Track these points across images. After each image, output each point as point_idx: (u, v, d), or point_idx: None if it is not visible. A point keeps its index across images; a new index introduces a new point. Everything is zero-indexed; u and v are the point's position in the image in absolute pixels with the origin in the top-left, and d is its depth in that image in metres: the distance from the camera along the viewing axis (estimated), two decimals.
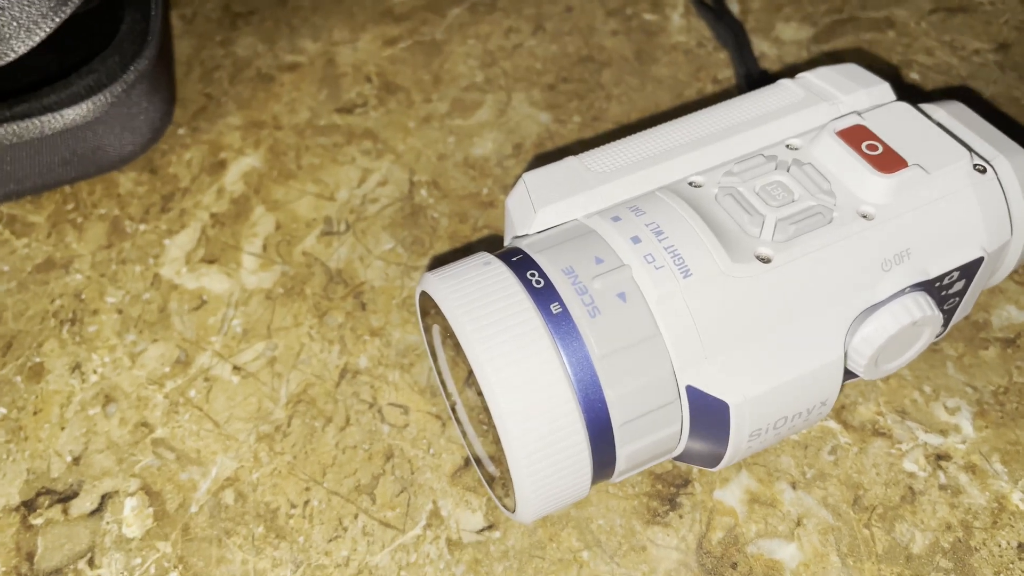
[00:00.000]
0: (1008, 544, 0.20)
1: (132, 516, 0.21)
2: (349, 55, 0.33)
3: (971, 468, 0.21)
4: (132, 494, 0.22)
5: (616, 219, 0.18)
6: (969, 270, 0.19)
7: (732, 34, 0.31)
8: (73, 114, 0.26)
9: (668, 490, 0.21)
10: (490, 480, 0.20)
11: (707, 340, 0.17)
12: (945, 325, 0.21)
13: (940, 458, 0.21)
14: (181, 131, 0.31)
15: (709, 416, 0.18)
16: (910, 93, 0.30)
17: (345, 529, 0.21)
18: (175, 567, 0.20)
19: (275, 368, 0.24)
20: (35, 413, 0.23)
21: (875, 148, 0.19)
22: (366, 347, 0.24)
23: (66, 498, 0.22)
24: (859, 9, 0.33)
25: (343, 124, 0.30)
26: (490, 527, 0.21)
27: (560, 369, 0.17)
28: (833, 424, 0.22)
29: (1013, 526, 0.20)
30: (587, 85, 0.31)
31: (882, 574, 0.19)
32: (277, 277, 0.26)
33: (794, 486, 0.21)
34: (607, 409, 0.17)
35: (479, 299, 0.17)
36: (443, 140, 0.30)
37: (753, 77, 0.29)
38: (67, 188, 0.29)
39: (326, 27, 0.34)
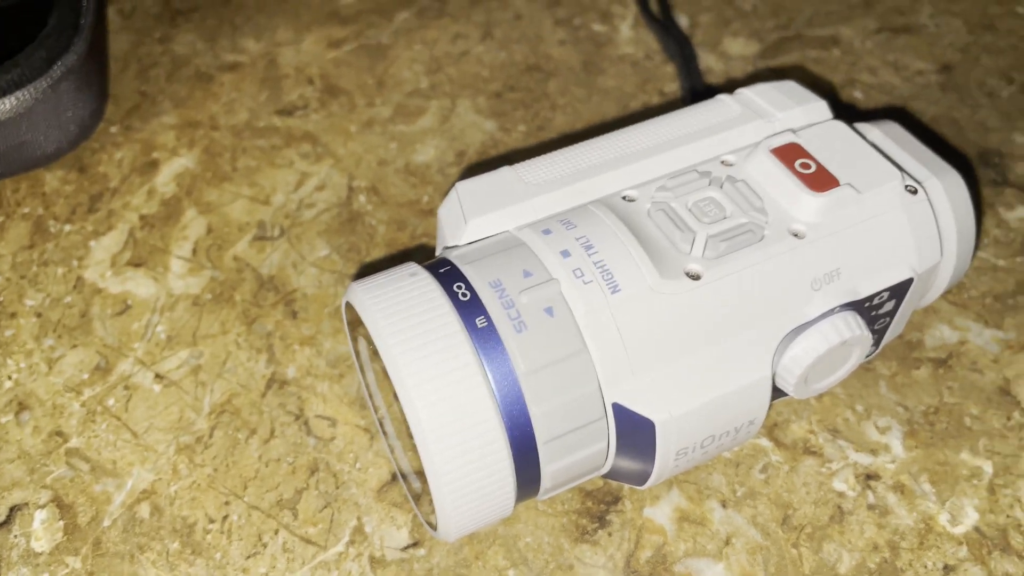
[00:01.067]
0: (934, 565, 0.20)
1: (41, 530, 0.20)
2: (292, 56, 0.32)
3: (900, 488, 0.21)
4: (42, 506, 0.21)
5: (547, 232, 0.18)
6: (899, 290, 0.19)
7: (679, 48, 0.31)
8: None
9: (598, 507, 0.21)
10: (416, 496, 0.20)
11: (634, 357, 0.17)
12: (876, 345, 0.21)
13: (869, 478, 0.21)
14: (113, 129, 0.30)
15: (636, 434, 0.17)
16: (847, 112, 0.30)
17: (265, 545, 0.20)
18: None
19: (199, 377, 0.23)
20: None
21: (808, 167, 0.19)
22: (295, 357, 0.24)
23: None
24: (805, 27, 0.33)
25: (282, 126, 0.30)
26: (415, 544, 0.20)
27: (483, 385, 0.16)
28: (765, 442, 0.22)
29: (939, 547, 0.20)
30: (533, 94, 0.31)
31: None
32: (206, 282, 0.25)
33: (724, 504, 0.21)
34: (531, 426, 0.17)
35: (403, 311, 0.17)
36: (385, 146, 0.29)
37: (698, 91, 0.29)
38: None
39: (270, 27, 0.34)
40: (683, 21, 0.33)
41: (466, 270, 0.18)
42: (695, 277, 0.18)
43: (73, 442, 0.22)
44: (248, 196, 0.28)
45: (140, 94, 0.31)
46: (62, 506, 0.21)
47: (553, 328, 0.17)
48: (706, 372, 0.17)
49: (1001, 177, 0.28)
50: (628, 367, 0.17)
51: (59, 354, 0.24)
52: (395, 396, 0.19)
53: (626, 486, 0.21)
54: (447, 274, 0.18)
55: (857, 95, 0.30)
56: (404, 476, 0.20)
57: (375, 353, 0.19)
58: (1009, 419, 0.22)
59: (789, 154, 0.19)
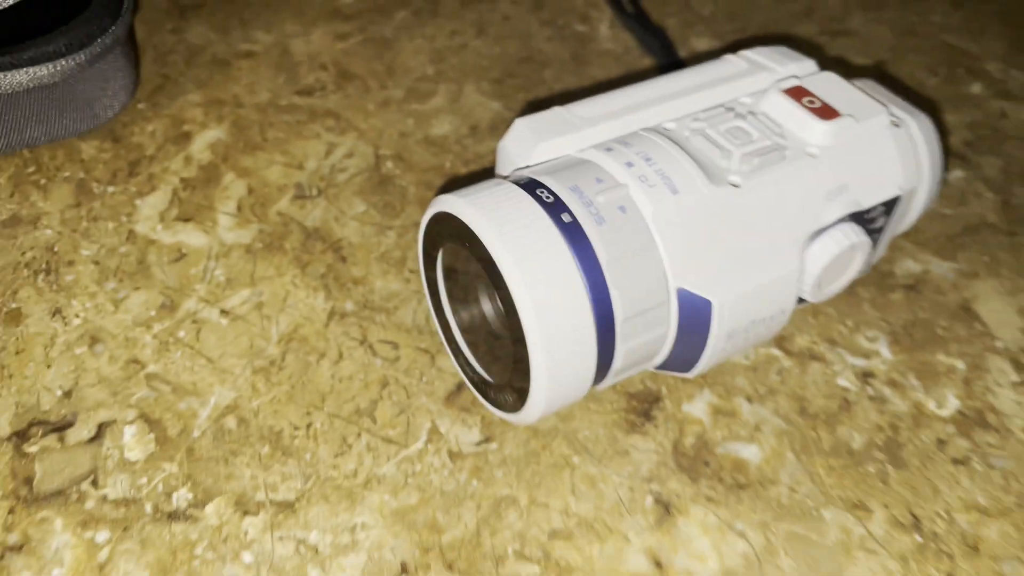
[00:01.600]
0: (928, 440, 0.23)
1: (133, 442, 0.22)
2: (303, 46, 0.35)
3: (893, 383, 0.25)
4: (131, 423, 0.22)
5: (609, 150, 0.21)
6: (890, 207, 0.23)
7: (657, 40, 0.35)
8: (49, 71, 0.26)
9: (642, 406, 0.23)
10: (487, 392, 0.22)
11: (693, 249, 0.20)
12: (868, 261, 0.25)
13: (867, 376, 0.25)
14: (141, 106, 0.31)
15: (694, 315, 0.20)
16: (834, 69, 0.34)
17: (350, 446, 0.22)
18: (183, 484, 0.21)
19: (263, 311, 0.25)
20: (17, 353, 0.23)
21: (814, 102, 0.23)
22: (350, 293, 0.26)
23: (61, 428, 0.22)
24: (759, 30, 0.38)
25: (304, 104, 0.32)
26: (487, 440, 0.22)
27: (575, 269, 0.19)
28: (776, 351, 0.25)
29: (931, 427, 0.24)
30: (531, 80, 0.34)
31: (831, 465, 0.22)
32: (255, 234, 0.27)
33: (749, 400, 0.24)
34: (611, 305, 0.19)
35: (499, 211, 0.19)
36: (403, 121, 0.32)
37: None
38: (26, 153, 0.29)
39: (277, 21, 0.36)
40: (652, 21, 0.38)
41: (545, 180, 0.20)
42: (735, 186, 0.21)
43: (151, 368, 0.23)
44: (282, 163, 0.30)
45: (162, 76, 0.33)
46: (150, 421, 0.22)
47: (627, 223, 0.20)
48: (749, 264, 0.21)
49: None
50: (688, 258, 0.20)
51: (123, 295, 0.25)
52: (479, 294, 0.22)
53: (664, 388, 0.24)
54: (529, 184, 0.20)
55: None
56: (474, 381, 0.23)
57: (459, 260, 0.22)
58: (972, 328, 0.26)
59: (797, 93, 0.23)
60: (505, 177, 0.21)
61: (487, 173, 0.30)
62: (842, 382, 0.24)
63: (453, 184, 0.29)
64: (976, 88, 0.35)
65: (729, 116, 0.23)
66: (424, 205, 0.29)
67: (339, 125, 0.31)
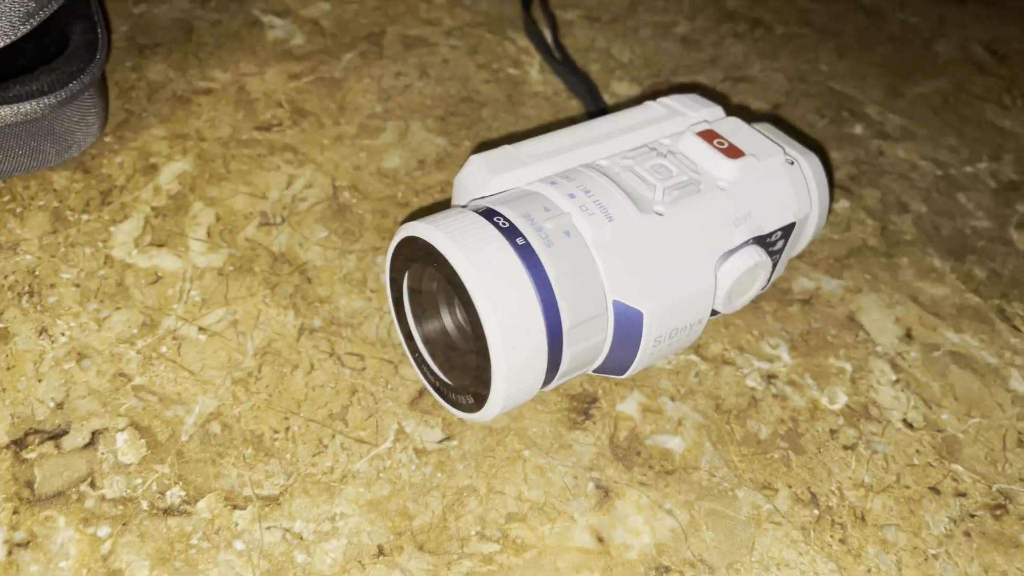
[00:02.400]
0: (823, 430, 0.27)
1: (126, 447, 0.24)
2: (259, 85, 0.37)
3: (792, 383, 0.29)
4: (122, 430, 0.24)
5: (553, 183, 0.25)
6: (787, 231, 0.27)
7: (583, 83, 0.39)
8: (31, 107, 0.28)
9: (582, 406, 0.27)
10: (448, 395, 0.25)
11: (626, 267, 0.24)
12: (769, 279, 0.29)
13: (771, 377, 0.29)
14: (108, 139, 0.33)
15: (628, 323, 0.24)
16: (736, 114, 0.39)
17: (326, 447, 0.25)
18: (175, 483, 0.23)
19: (238, 328, 0.27)
20: (8, 369, 0.25)
21: (722, 143, 0.27)
22: (317, 311, 0.28)
23: (56, 436, 0.24)
24: (671, 75, 0.42)
25: (263, 139, 0.35)
26: (448, 438, 0.25)
27: (529, 284, 0.22)
28: (694, 357, 0.29)
29: (824, 419, 0.28)
30: (471, 118, 0.38)
31: (742, 453, 0.26)
32: (225, 258, 0.29)
33: (673, 399, 0.27)
34: (559, 316, 0.23)
35: (464, 236, 0.23)
36: (356, 155, 0.35)
37: (604, 111, 0.37)
38: (0, 183, 0.31)
39: (232, 61, 0.38)
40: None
41: (501, 208, 0.24)
42: (659, 214, 0.25)
43: (137, 380, 0.25)
44: (246, 192, 0.32)
45: (126, 111, 0.35)
46: (140, 428, 0.24)
47: (571, 245, 0.23)
48: (673, 279, 0.24)
49: (828, 180, 0.37)
50: (622, 274, 0.24)
51: (105, 315, 0.27)
52: (441, 308, 0.25)
53: (600, 390, 0.27)
54: (487, 212, 0.24)
55: None
56: (435, 386, 0.26)
57: (423, 279, 0.25)
58: (857, 336, 0.31)
59: (708, 136, 0.27)
60: (464, 207, 0.25)
61: (440, 203, 0.33)
62: (750, 383, 0.28)
63: (411, 214, 0.32)
64: (858, 129, 0.41)
65: (653, 155, 0.26)
66: (380, 232, 0.32)
67: (297, 158, 0.34)
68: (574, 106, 0.39)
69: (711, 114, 0.29)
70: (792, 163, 0.28)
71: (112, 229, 0.30)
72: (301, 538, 0.22)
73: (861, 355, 0.30)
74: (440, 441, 0.25)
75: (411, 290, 0.26)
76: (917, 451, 0.27)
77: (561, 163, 0.26)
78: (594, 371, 0.26)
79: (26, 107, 0.28)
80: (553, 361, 0.23)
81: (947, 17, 0.51)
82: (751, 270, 0.26)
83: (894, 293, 0.32)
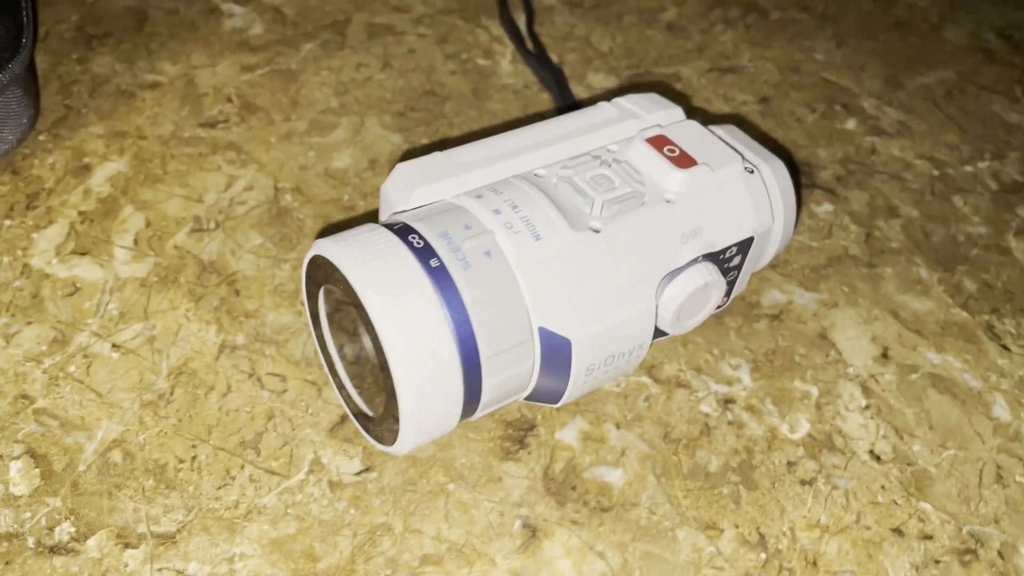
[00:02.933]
0: (780, 462, 0.25)
1: (18, 476, 0.22)
2: (209, 78, 0.35)
3: (751, 408, 0.26)
4: (17, 458, 0.23)
5: (479, 196, 0.23)
6: (744, 246, 0.25)
7: (553, 77, 0.37)
8: None
9: (517, 433, 0.25)
10: (367, 424, 0.23)
11: (554, 291, 0.22)
12: (728, 295, 0.27)
13: (728, 402, 0.27)
14: (42, 137, 0.32)
15: (555, 352, 0.22)
16: (697, 117, 0.36)
17: (233, 478, 0.23)
18: (66, 518, 0.22)
19: (155, 345, 0.26)
20: None
21: (673, 151, 0.25)
22: (242, 327, 0.27)
23: None
24: (652, 66, 0.40)
25: (207, 137, 0.33)
26: (367, 469, 0.24)
27: (440, 311, 0.20)
28: (646, 379, 0.27)
29: (783, 450, 0.26)
30: (432, 114, 0.35)
31: (688, 488, 0.24)
32: (151, 267, 0.28)
33: (618, 426, 0.25)
34: (476, 344, 0.21)
35: (370, 256, 0.21)
36: (304, 154, 0.33)
37: (572, 108, 0.35)
38: None
39: (184, 52, 0.37)
40: (553, 58, 0.39)
41: (417, 226, 0.22)
42: (596, 231, 0.23)
43: (40, 403, 0.24)
44: (182, 195, 0.30)
45: (65, 107, 0.33)
46: (36, 456, 0.23)
47: (491, 267, 0.21)
48: (607, 304, 0.22)
49: (810, 181, 0.35)
50: (549, 298, 0.22)
51: (15, 330, 0.26)
52: (350, 338, 0.23)
53: (539, 416, 0.25)
54: (402, 229, 0.22)
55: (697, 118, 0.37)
56: (356, 413, 0.24)
57: (337, 300, 0.23)
58: (828, 356, 0.28)
59: (659, 142, 0.25)
60: (380, 223, 0.23)
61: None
62: (705, 408, 0.26)
63: (345, 223, 0.30)
64: (851, 124, 0.38)
65: (595, 164, 0.24)
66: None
67: (240, 158, 0.32)
68: (544, 100, 0.37)
69: (669, 116, 0.27)
70: (752, 171, 0.25)
71: (35, 235, 0.28)
72: None
73: (830, 377, 0.28)
74: (358, 473, 0.23)
75: (329, 310, 0.24)
76: (882, 487, 0.25)
77: (495, 172, 0.24)
78: (526, 399, 0.24)
79: None
80: (471, 392, 0.21)
81: (959, 0, 0.48)
82: (701, 290, 0.24)
83: (873, 308, 0.30)
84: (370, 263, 0.21)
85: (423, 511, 0.23)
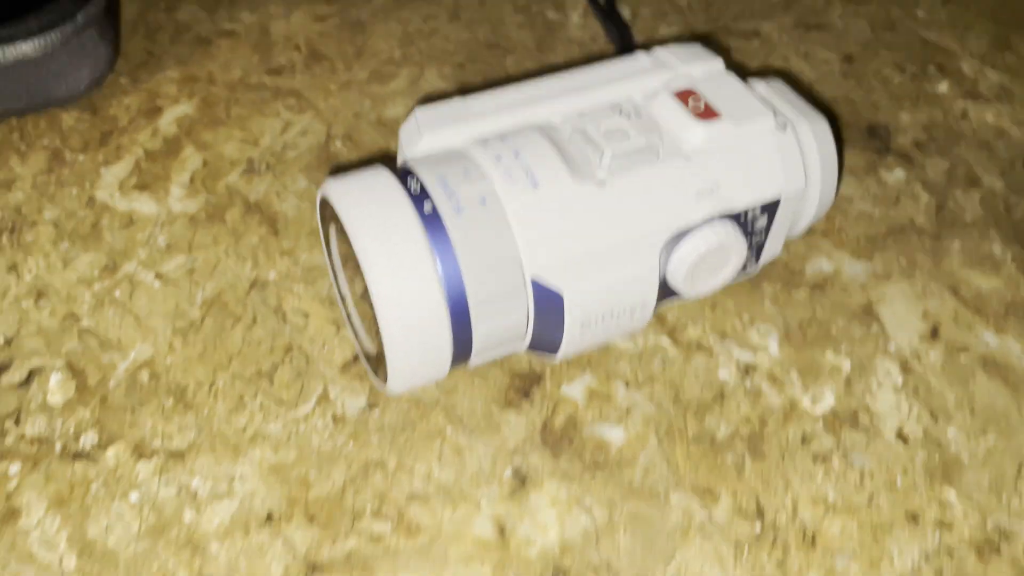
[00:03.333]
0: (795, 435, 0.24)
1: (56, 387, 0.24)
2: (282, 27, 0.37)
3: (772, 378, 0.25)
4: (58, 370, 0.25)
5: (485, 143, 0.23)
6: (770, 209, 0.24)
7: (618, 32, 0.36)
8: (27, 48, 0.29)
9: (524, 384, 0.25)
10: (372, 362, 0.24)
11: (550, 242, 0.21)
12: (757, 259, 0.25)
13: (748, 369, 0.26)
14: (123, 80, 0.34)
15: (548, 305, 0.22)
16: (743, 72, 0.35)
17: (245, 405, 0.24)
18: (92, 428, 0.24)
19: (193, 277, 0.27)
20: None
21: (699, 105, 0.24)
22: (275, 264, 0.28)
23: None
24: (732, 21, 0.38)
25: (271, 84, 0.34)
26: (371, 406, 0.24)
27: (429, 255, 0.21)
28: (665, 340, 0.26)
29: (800, 423, 0.24)
30: (492, 66, 0.35)
31: (690, 452, 0.24)
32: (201, 204, 0.29)
33: (627, 385, 0.25)
34: (465, 290, 0.21)
35: (366, 199, 0.21)
36: (360, 102, 0.33)
37: None
38: (14, 121, 0.32)
39: (263, 1, 0.38)
40: (625, 12, 0.38)
41: (419, 170, 0.22)
42: (601, 183, 0.22)
43: (85, 323, 0.26)
44: (239, 138, 0.32)
45: (147, 52, 0.35)
46: (74, 371, 0.25)
47: (485, 214, 0.21)
48: (605, 260, 0.22)
49: (884, 146, 0.33)
50: (544, 249, 0.21)
51: (73, 256, 0.28)
52: (356, 274, 0.24)
53: (548, 368, 0.25)
54: (404, 173, 0.22)
55: None
56: (365, 354, 0.24)
57: (341, 238, 0.23)
58: (869, 330, 0.27)
59: (684, 95, 0.24)
60: (386, 165, 0.23)
61: None
62: (723, 374, 0.25)
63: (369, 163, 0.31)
64: (943, 87, 0.35)
65: (613, 115, 0.24)
66: None
67: (299, 104, 0.33)
68: (609, 54, 0.36)
69: (706, 68, 0.26)
70: (784, 128, 0.24)
71: (103, 170, 0.30)
72: (195, 496, 0.22)
73: (867, 352, 0.26)
74: (362, 409, 0.24)
75: (339, 249, 0.24)
76: (904, 470, 0.23)
77: (512, 120, 0.24)
78: (528, 349, 0.24)
79: (23, 47, 0.28)
80: (461, 338, 0.22)
81: None
82: (716, 251, 0.23)
83: (930, 282, 0.28)
84: (364, 207, 0.21)
85: (418, 451, 0.23)
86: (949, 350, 0.26)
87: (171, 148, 0.31)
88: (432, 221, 0.21)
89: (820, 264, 0.28)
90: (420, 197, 0.21)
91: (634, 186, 0.22)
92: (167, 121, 0.32)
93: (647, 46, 0.36)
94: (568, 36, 0.37)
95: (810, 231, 0.29)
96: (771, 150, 0.24)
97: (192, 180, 0.30)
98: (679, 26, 0.38)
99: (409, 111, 0.33)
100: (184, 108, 0.33)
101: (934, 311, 0.27)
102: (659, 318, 0.27)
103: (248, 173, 0.31)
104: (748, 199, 0.23)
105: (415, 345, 0.21)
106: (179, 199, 0.30)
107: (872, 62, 0.36)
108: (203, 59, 0.35)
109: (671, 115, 0.24)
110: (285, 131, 0.32)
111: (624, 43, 0.35)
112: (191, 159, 0.31)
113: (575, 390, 0.25)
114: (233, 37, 0.36)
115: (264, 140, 0.32)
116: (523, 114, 0.24)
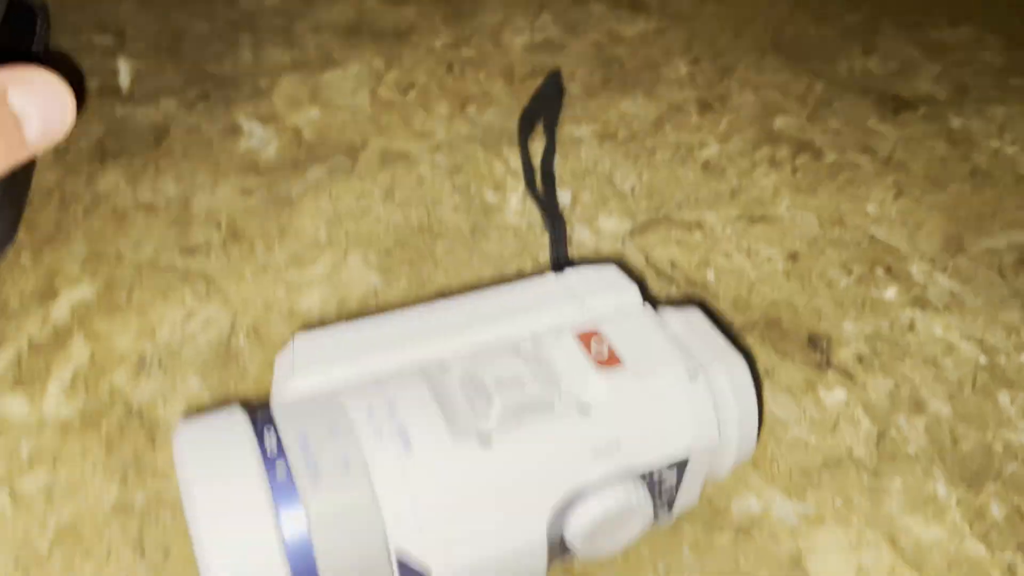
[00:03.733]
0: None
1: None
2: (206, 200, 0.35)
3: None
4: None
5: (361, 391, 0.20)
6: (679, 466, 0.22)
7: (551, 225, 0.34)
8: None
9: None
10: None
11: (420, 512, 0.19)
12: (670, 509, 0.23)
13: None
14: (24, 255, 0.32)
15: None
16: (656, 299, 0.33)
17: None
18: None
19: (51, 498, 0.25)
20: None
21: (602, 350, 0.22)
22: (145, 485, 0.25)
23: None
24: (674, 210, 0.37)
25: (182, 265, 0.32)
26: None
27: (273, 531, 0.18)
28: None
29: None
30: (420, 253, 0.34)
31: None
32: (78, 408, 0.27)
33: None
34: (316, 569, 0.18)
35: (212, 459, 0.19)
36: (274, 290, 0.32)
37: (561, 264, 0.32)
38: None
39: (190, 172, 0.37)
40: (566, 196, 0.37)
41: (280, 422, 0.20)
42: (486, 442, 0.20)
43: None
44: (135, 329, 0.30)
45: (56, 226, 0.33)
46: None
47: (347, 481, 0.19)
48: (486, 530, 0.19)
49: (825, 360, 0.31)
50: (414, 520, 0.19)
51: None
52: None
53: None
54: (263, 425, 0.20)
55: (709, 277, 0.34)
56: None
57: None
58: None
59: (587, 336, 0.22)
60: (256, 406, 0.21)
61: None
62: None
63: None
64: (890, 293, 0.34)
65: (509, 357, 0.22)
66: (261, 387, 0.28)
67: (208, 290, 0.31)
68: (544, 243, 0.35)
69: (618, 300, 0.24)
70: (695, 377, 0.22)
71: None
72: None
73: None
74: None
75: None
76: None
77: (399, 357, 0.22)
78: None
79: None
80: None
81: None
82: (616, 513, 0.21)
83: (867, 529, 0.25)
84: (207, 465, 0.19)
85: None
86: None
87: (59, 339, 0.29)
88: (283, 489, 0.19)
89: (748, 503, 0.26)
90: (274, 459, 0.19)
91: (523, 444, 0.20)
92: (61, 307, 0.30)
93: (576, 248, 0.35)
94: (504, 222, 0.36)
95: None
96: (679, 403, 0.21)
97: (74, 379, 0.28)
98: (619, 214, 0.36)
99: (324, 301, 0.31)
100: (83, 291, 0.31)
101: (869, 567, 0.25)
102: (565, 569, 0.24)
103: (137, 372, 0.28)
104: (652, 457, 0.21)
105: None
106: (55, 401, 0.27)
107: (818, 261, 0.35)
108: (115, 235, 0.33)
109: (571, 361, 0.22)
110: (187, 321, 0.30)
111: (557, 240, 0.34)
112: (78, 353, 0.29)
113: None
114: (151, 212, 0.35)
115: (162, 332, 0.30)
116: (412, 350, 0.22)
